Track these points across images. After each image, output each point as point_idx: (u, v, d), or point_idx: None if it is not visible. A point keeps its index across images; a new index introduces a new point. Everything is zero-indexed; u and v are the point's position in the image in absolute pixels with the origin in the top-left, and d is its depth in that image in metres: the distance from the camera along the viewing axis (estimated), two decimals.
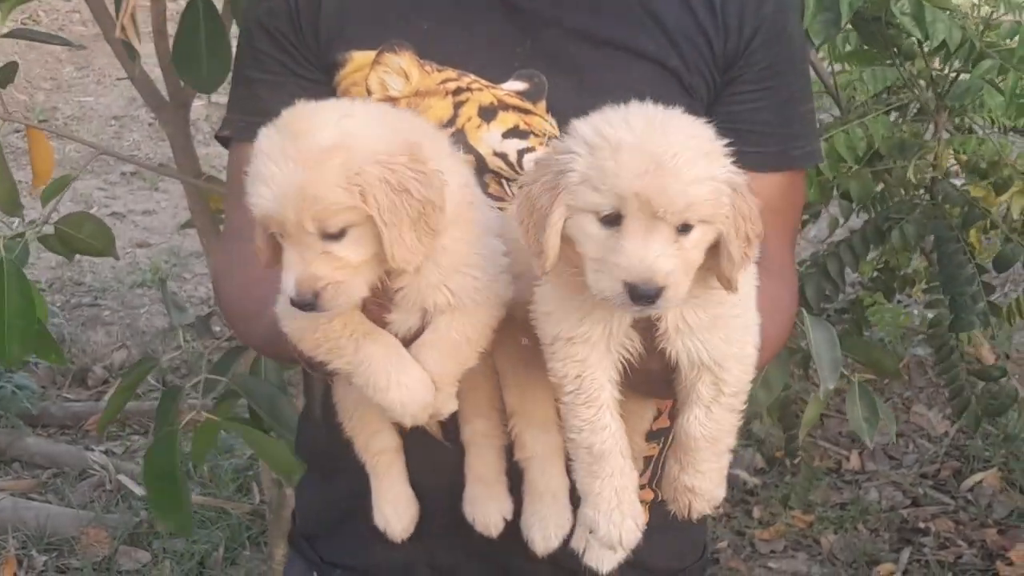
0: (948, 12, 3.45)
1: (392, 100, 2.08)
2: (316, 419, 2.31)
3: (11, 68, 3.28)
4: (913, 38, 3.57)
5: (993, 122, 4.00)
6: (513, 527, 2.05)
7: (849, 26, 3.68)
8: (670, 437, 1.96)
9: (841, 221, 4.40)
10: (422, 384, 1.82)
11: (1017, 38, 3.55)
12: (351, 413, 2.08)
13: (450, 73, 2.10)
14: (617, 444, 1.81)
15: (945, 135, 3.88)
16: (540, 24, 2.09)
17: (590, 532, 1.88)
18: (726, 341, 1.79)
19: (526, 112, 2.09)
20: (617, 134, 1.66)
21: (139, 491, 5.50)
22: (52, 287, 7.59)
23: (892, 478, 5.75)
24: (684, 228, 1.66)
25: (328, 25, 2.13)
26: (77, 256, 3.31)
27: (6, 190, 3.16)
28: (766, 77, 2.11)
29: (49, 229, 3.14)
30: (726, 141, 1.71)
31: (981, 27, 3.67)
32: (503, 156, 2.09)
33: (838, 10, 3.20)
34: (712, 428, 1.83)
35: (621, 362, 1.80)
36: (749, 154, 1.76)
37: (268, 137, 1.73)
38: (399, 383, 1.81)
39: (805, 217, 4.10)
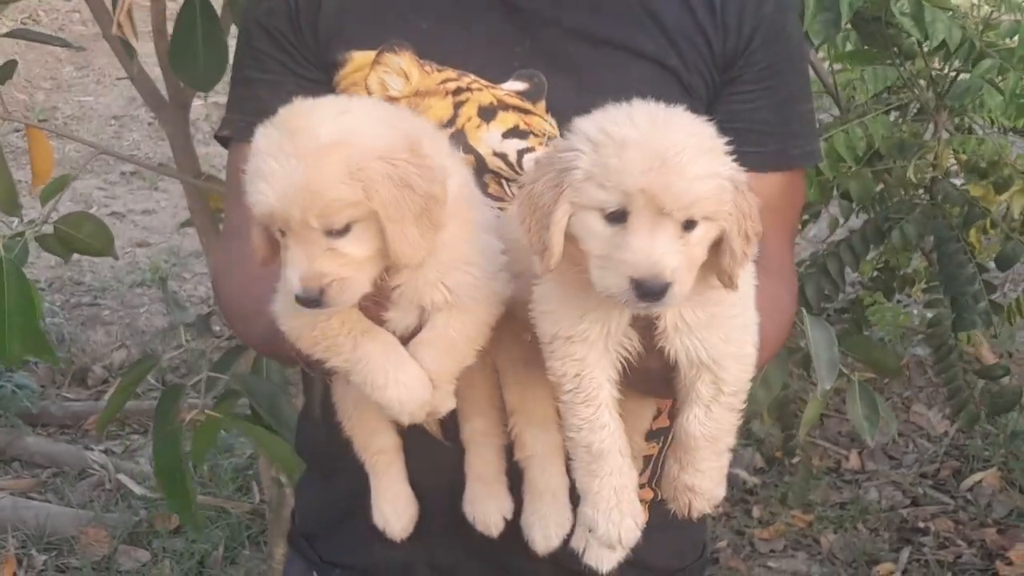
0: (948, 12, 3.45)
1: (392, 100, 2.08)
2: (315, 418, 2.31)
3: (10, 66, 3.28)
4: (913, 38, 3.57)
5: (992, 122, 4.00)
6: (513, 526, 2.05)
7: (849, 26, 3.68)
8: (670, 436, 1.96)
9: (841, 221, 4.41)
10: (420, 382, 1.82)
11: (1017, 37, 3.55)
12: (350, 412, 2.08)
13: (450, 73, 2.10)
14: (616, 443, 1.81)
15: (945, 135, 3.88)
16: (539, 24, 2.09)
17: (589, 531, 1.88)
18: (724, 340, 1.79)
19: (526, 112, 2.09)
20: (621, 131, 1.66)
21: (139, 490, 5.51)
22: (52, 286, 7.59)
23: (892, 478, 5.76)
24: (688, 225, 1.66)
25: (327, 25, 2.13)
26: (77, 256, 3.31)
27: (5, 189, 3.16)
28: (765, 77, 2.11)
29: (48, 229, 3.14)
30: (726, 140, 1.72)
31: (981, 27, 3.67)
32: (503, 156, 2.09)
33: (838, 10, 3.20)
34: (712, 427, 1.83)
35: (620, 361, 1.80)
36: (748, 154, 1.76)
37: (267, 135, 1.73)
38: (397, 381, 1.81)
39: (805, 217, 4.10)
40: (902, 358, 6.33)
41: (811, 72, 2.92)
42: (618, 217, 1.65)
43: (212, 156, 7.81)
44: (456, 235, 1.80)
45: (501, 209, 2.04)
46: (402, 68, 2.09)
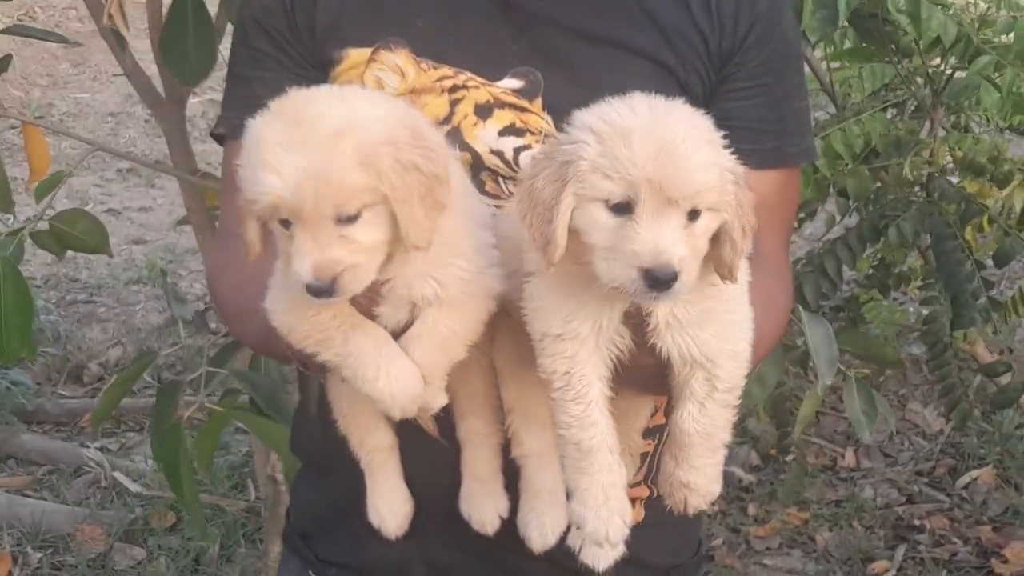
0: (944, 8, 3.45)
1: None
2: (311, 417, 2.32)
3: (6, 62, 3.28)
4: (910, 35, 3.57)
5: (988, 120, 4.00)
6: (510, 524, 2.05)
7: (846, 23, 3.68)
8: (666, 433, 1.96)
9: (838, 219, 4.41)
10: (411, 376, 1.82)
11: (1013, 34, 3.55)
12: (345, 410, 2.08)
13: (446, 71, 2.09)
14: (606, 441, 1.81)
15: (941, 132, 3.88)
16: (535, 21, 2.09)
17: (577, 528, 1.88)
18: (717, 337, 1.79)
19: (522, 110, 2.09)
20: (625, 121, 1.66)
21: (134, 488, 5.51)
22: (47, 283, 7.59)
23: (887, 475, 5.76)
24: (693, 215, 1.66)
25: (324, 22, 2.13)
26: (73, 253, 3.32)
27: None
28: (761, 74, 2.11)
29: (44, 226, 3.14)
30: (722, 135, 1.72)
31: (977, 24, 3.67)
32: (499, 154, 2.08)
33: (835, 7, 3.20)
34: (706, 424, 1.83)
35: (611, 358, 1.80)
36: (744, 151, 1.76)
37: (268, 125, 1.72)
38: (388, 375, 1.81)
39: (802, 215, 4.10)
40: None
41: (807, 70, 2.92)
42: (623, 208, 1.65)
43: (209, 153, 7.80)
44: (447, 229, 1.80)
45: (498, 207, 2.05)
46: (398, 65, 2.09)
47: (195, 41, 3.04)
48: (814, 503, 5.51)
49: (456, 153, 2.02)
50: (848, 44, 4.21)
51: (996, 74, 3.58)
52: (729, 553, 5.21)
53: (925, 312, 4.21)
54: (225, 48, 2.33)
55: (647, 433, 2.16)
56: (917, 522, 5.38)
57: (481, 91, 2.09)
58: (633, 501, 2.17)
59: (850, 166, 3.74)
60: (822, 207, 4.30)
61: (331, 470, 2.28)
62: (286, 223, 1.72)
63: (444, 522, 2.11)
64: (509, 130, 2.08)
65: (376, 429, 2.07)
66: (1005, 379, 4.22)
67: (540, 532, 2.02)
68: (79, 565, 5.01)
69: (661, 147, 1.64)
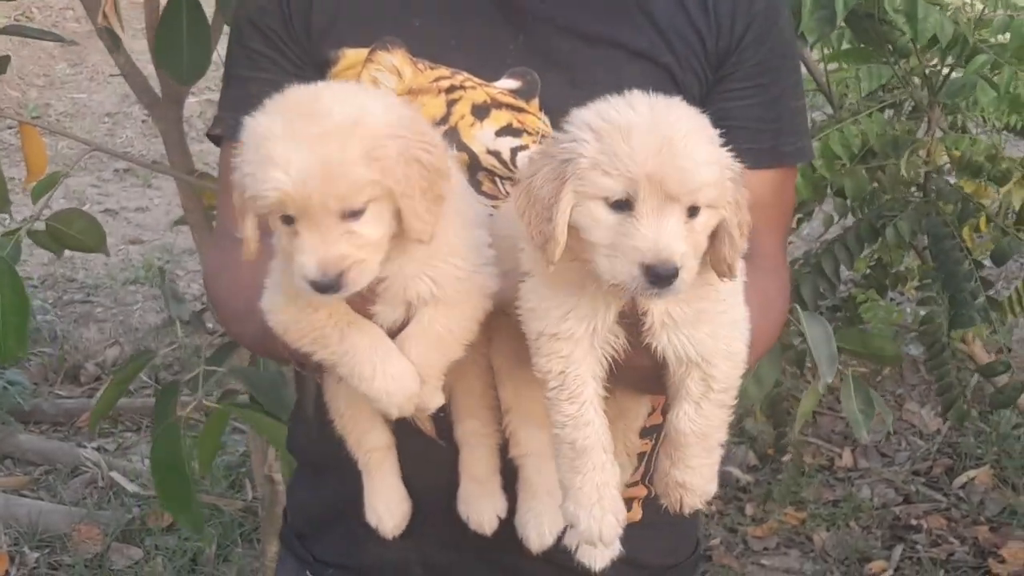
0: (941, 8, 3.44)
1: None
2: (308, 417, 2.31)
3: (3, 62, 3.28)
4: (907, 35, 3.57)
5: (985, 121, 4.00)
6: (508, 525, 2.05)
7: (843, 24, 3.68)
8: (662, 433, 1.96)
9: (836, 219, 4.41)
10: (407, 374, 1.82)
11: (1009, 33, 3.55)
12: (342, 411, 2.08)
13: (443, 71, 2.09)
14: (600, 440, 1.81)
15: (939, 133, 3.88)
16: (532, 21, 2.09)
17: (570, 527, 1.88)
18: (713, 336, 1.79)
19: (519, 110, 2.09)
20: (625, 118, 1.67)
21: (131, 488, 5.50)
22: (44, 283, 7.59)
23: (884, 475, 5.76)
24: (692, 211, 1.67)
25: (320, 22, 2.13)
26: (70, 253, 3.32)
27: None
28: (757, 74, 2.11)
29: (40, 226, 3.14)
30: (719, 134, 1.73)
31: (973, 23, 3.67)
32: (496, 154, 2.08)
33: (833, 8, 3.21)
34: (702, 424, 1.83)
35: (606, 358, 1.80)
36: (741, 151, 1.76)
37: (272, 121, 1.71)
38: (384, 373, 1.81)
39: (799, 215, 4.10)
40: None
41: (804, 70, 2.92)
42: (623, 205, 1.66)
43: (206, 153, 7.78)
44: (443, 228, 1.80)
45: (494, 207, 2.05)
46: (395, 66, 2.09)
47: (190, 40, 3.04)
48: (811, 503, 5.51)
49: (453, 153, 2.02)
50: (846, 45, 4.21)
51: (993, 73, 3.58)
52: (726, 553, 5.22)
53: (922, 312, 4.21)
54: (223, 48, 2.33)
55: (644, 433, 2.16)
56: (914, 522, 5.39)
57: (478, 91, 2.09)
58: (631, 501, 2.18)
59: (847, 166, 3.74)
60: (819, 207, 4.29)
61: (328, 470, 2.28)
62: (289, 219, 1.71)
63: (442, 522, 2.11)
64: (506, 130, 2.08)
65: (373, 429, 2.07)
66: (1003, 379, 4.22)
67: (538, 532, 2.03)
68: (76, 565, 5.01)
69: (662, 143, 1.64)
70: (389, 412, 1.85)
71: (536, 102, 2.09)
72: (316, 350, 1.83)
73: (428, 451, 2.09)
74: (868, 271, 4.55)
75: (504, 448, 2.03)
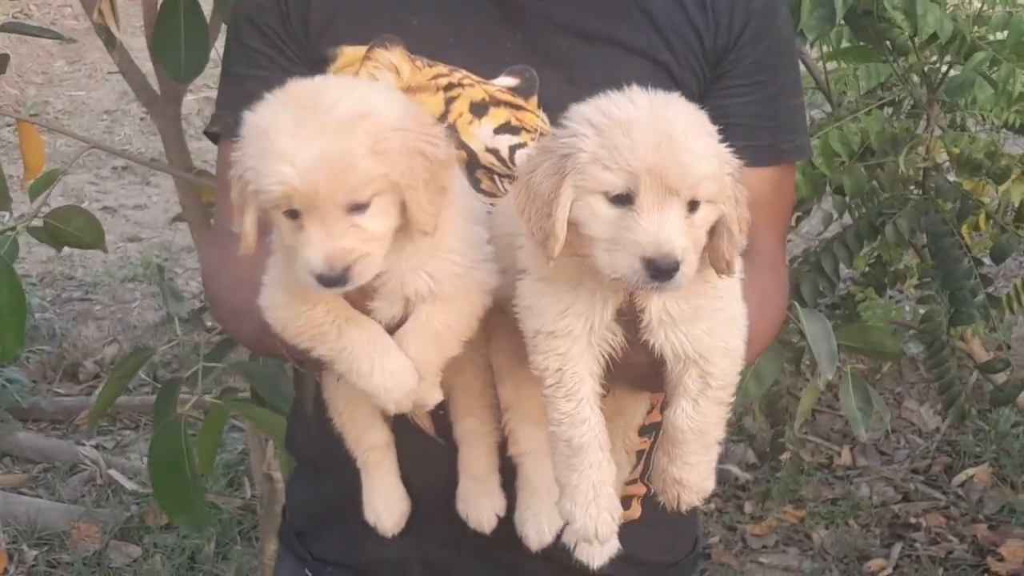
0: (940, 5, 3.44)
1: None
2: (307, 416, 2.31)
3: (2, 60, 3.27)
4: (905, 33, 3.57)
5: (984, 119, 4.00)
6: (507, 522, 2.05)
7: (842, 22, 3.68)
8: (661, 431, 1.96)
9: (835, 216, 4.41)
10: (406, 370, 1.82)
11: (1008, 30, 3.55)
12: (341, 409, 2.07)
13: (441, 68, 2.09)
14: (596, 438, 1.81)
15: (937, 131, 3.88)
16: (531, 19, 2.09)
17: (566, 524, 1.88)
18: (710, 334, 1.79)
19: (518, 108, 2.09)
20: (624, 113, 1.67)
21: (130, 486, 5.50)
22: (43, 281, 7.59)
23: (883, 473, 5.76)
24: (692, 206, 1.67)
25: (318, 20, 2.12)
26: (68, 250, 3.32)
27: None
28: (756, 71, 2.11)
29: (38, 223, 3.13)
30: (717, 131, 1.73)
31: (971, 20, 3.67)
32: (495, 152, 2.08)
33: (832, 5, 3.20)
34: (699, 421, 1.83)
35: (604, 356, 1.80)
36: (739, 148, 1.76)
37: (276, 114, 1.70)
38: (382, 369, 1.81)
39: (798, 213, 4.10)
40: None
41: (802, 68, 2.92)
42: (623, 200, 1.66)
43: (204, 151, 7.76)
44: (441, 224, 1.79)
45: (493, 206, 2.04)
46: (393, 63, 2.09)
47: (187, 37, 3.04)
48: (810, 501, 5.51)
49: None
50: (845, 43, 4.21)
51: (992, 70, 3.58)
52: (725, 551, 5.22)
53: (921, 311, 4.21)
54: (221, 46, 2.33)
55: (643, 431, 2.15)
56: (913, 520, 5.39)
57: (476, 89, 2.08)
58: (630, 499, 2.18)
59: (846, 164, 3.74)
60: (818, 205, 4.29)
61: (327, 468, 2.28)
62: (293, 213, 1.70)
63: (441, 521, 2.11)
64: (504, 128, 2.08)
65: (372, 427, 2.06)
66: (1001, 377, 4.22)
67: (537, 530, 2.03)
68: (75, 563, 5.01)
69: (662, 137, 1.64)
70: (387, 408, 1.85)
71: (534, 100, 2.08)
72: (314, 346, 1.83)
73: (427, 449, 2.09)
74: (867, 269, 4.55)
75: (503, 446, 2.03)
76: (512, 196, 1.77)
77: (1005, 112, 3.72)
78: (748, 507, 5.49)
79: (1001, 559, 5.04)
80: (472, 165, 2.07)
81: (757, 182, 1.98)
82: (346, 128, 1.68)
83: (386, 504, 2.10)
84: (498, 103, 2.08)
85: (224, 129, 2.18)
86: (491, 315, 1.89)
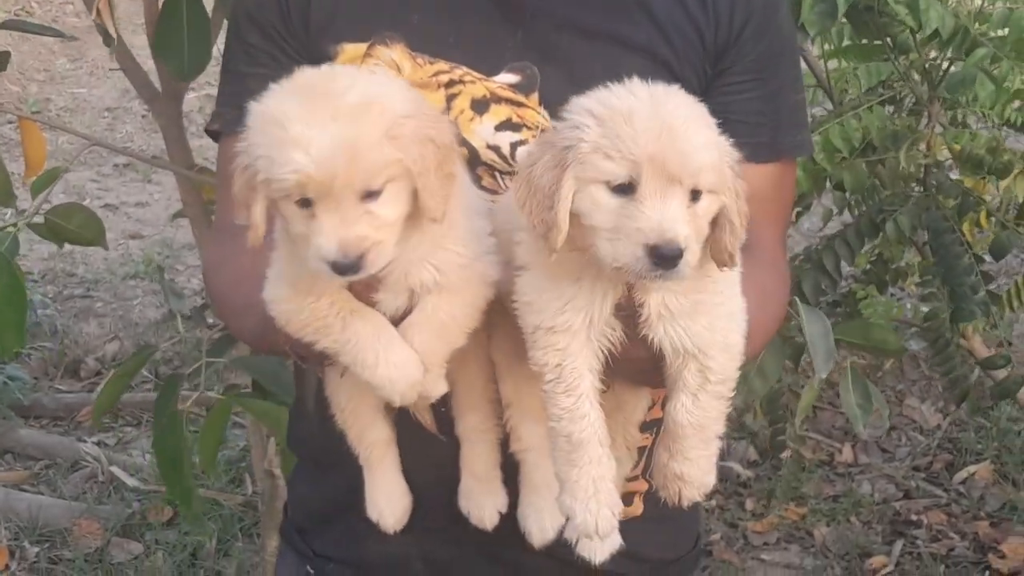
0: (941, 0, 3.45)
1: None
2: (309, 412, 2.31)
3: (4, 57, 3.27)
4: (907, 30, 3.57)
5: (985, 116, 4.00)
6: (509, 519, 2.05)
7: (844, 20, 3.67)
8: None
9: (835, 211, 4.41)
10: (411, 362, 1.82)
11: (1009, 27, 3.55)
12: (343, 405, 2.07)
13: (442, 65, 2.09)
14: (596, 433, 1.81)
15: (938, 128, 3.88)
16: (531, 16, 2.09)
17: (566, 520, 1.88)
18: (709, 328, 1.79)
19: (519, 105, 2.09)
20: (625, 104, 1.68)
21: (131, 482, 5.51)
22: (44, 278, 7.59)
23: (885, 471, 5.76)
24: (694, 195, 1.67)
25: (318, 17, 2.12)
26: (70, 247, 3.32)
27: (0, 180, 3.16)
28: (757, 68, 2.11)
29: (40, 220, 3.13)
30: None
31: (973, 17, 3.67)
32: (496, 149, 2.08)
33: (834, 1, 3.20)
34: (699, 415, 1.83)
35: (603, 351, 1.80)
36: (740, 144, 1.77)
37: (284, 103, 1.70)
38: (387, 360, 1.80)
39: (798, 208, 4.10)
40: None
41: (803, 65, 2.92)
42: (625, 189, 1.66)
43: (205, 148, 7.74)
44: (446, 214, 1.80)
45: (492, 202, 2.04)
46: (394, 61, 2.08)
47: (190, 36, 3.04)
48: (812, 498, 5.51)
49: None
50: (846, 41, 4.21)
51: (993, 67, 3.58)
52: (727, 548, 5.22)
53: (923, 308, 4.21)
54: (222, 43, 2.33)
55: (645, 427, 2.15)
56: (914, 517, 5.39)
57: (477, 86, 2.08)
58: (631, 495, 2.18)
59: (847, 159, 3.74)
60: (818, 200, 4.29)
61: (328, 465, 2.28)
62: (305, 202, 1.70)
63: (443, 518, 2.11)
64: (505, 125, 2.08)
65: (374, 424, 2.07)
66: (1002, 374, 4.22)
67: (539, 527, 2.03)
68: (76, 559, 5.01)
69: (663, 126, 1.65)
70: (392, 399, 1.84)
71: (535, 96, 2.08)
72: (319, 339, 1.83)
73: (429, 446, 2.09)
74: (868, 266, 4.56)
75: (505, 443, 2.03)
76: (512, 190, 1.77)
77: (1007, 110, 3.72)
78: (750, 504, 5.49)
79: (1002, 556, 5.04)
80: (473, 162, 2.07)
81: (758, 178, 1.98)
82: (359, 114, 1.67)
83: (388, 501, 2.10)
84: (499, 100, 2.08)
85: (225, 126, 2.18)
86: (492, 313, 1.89)
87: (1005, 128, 4.03)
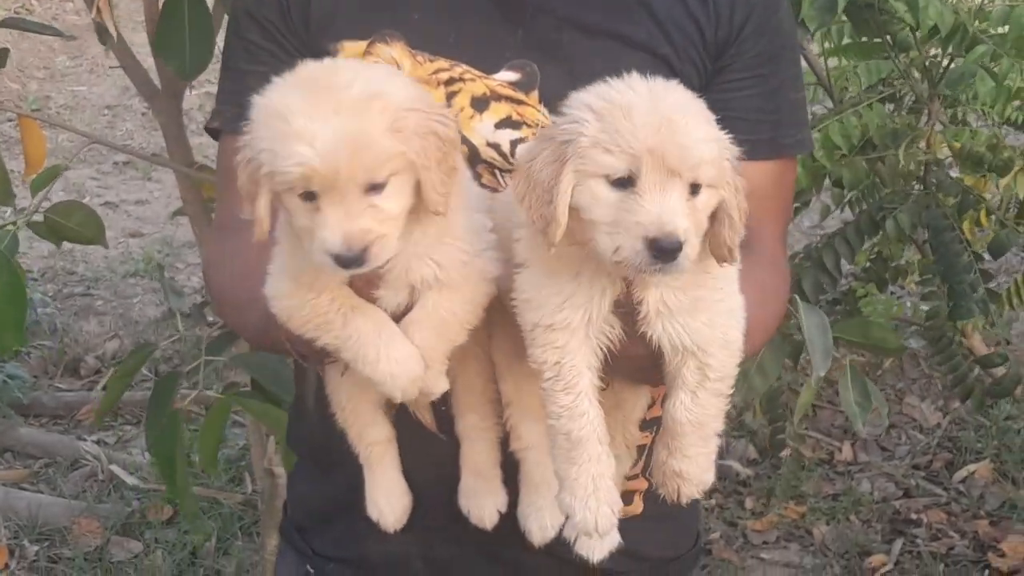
0: None
1: None
2: (309, 411, 2.31)
3: (3, 55, 3.27)
4: (907, 28, 3.57)
5: (985, 114, 4.00)
6: (509, 518, 2.05)
7: (844, 17, 3.68)
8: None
9: (833, 208, 4.41)
10: (412, 358, 1.81)
11: (1008, 24, 3.55)
12: (344, 404, 2.07)
13: (442, 63, 2.09)
14: (595, 431, 1.81)
15: (938, 126, 3.88)
16: (531, 13, 2.09)
17: (566, 518, 1.88)
18: (708, 325, 1.79)
19: (519, 102, 2.08)
20: (625, 98, 1.68)
21: (131, 481, 5.50)
22: (44, 276, 7.59)
23: (884, 469, 5.76)
24: (694, 189, 1.67)
25: (318, 15, 2.12)
26: (70, 245, 3.32)
27: None
28: (757, 65, 2.11)
29: (39, 218, 3.13)
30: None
31: (972, 14, 3.67)
32: (496, 146, 2.08)
33: None
34: (698, 413, 1.83)
35: (602, 348, 1.80)
36: (740, 142, 1.77)
37: (287, 96, 1.69)
38: (388, 356, 1.80)
39: (797, 205, 4.10)
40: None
41: (803, 62, 2.92)
42: (624, 183, 1.66)
43: (205, 146, 7.73)
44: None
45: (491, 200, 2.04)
46: (394, 58, 2.08)
47: (192, 34, 3.03)
48: (811, 497, 5.52)
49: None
50: (846, 39, 4.21)
51: (993, 64, 3.58)
52: (726, 547, 5.22)
53: (923, 306, 4.22)
54: (222, 41, 2.32)
55: (645, 425, 2.15)
56: (914, 516, 5.39)
57: (477, 84, 2.08)
58: (631, 494, 2.18)
59: (846, 157, 3.74)
60: (817, 197, 4.29)
61: (329, 464, 2.28)
62: (308, 195, 1.69)
63: (443, 516, 2.11)
64: (505, 123, 2.08)
65: (375, 422, 2.06)
66: (1000, 372, 4.23)
67: (540, 525, 2.03)
68: (76, 558, 5.01)
69: (662, 120, 1.65)
70: (393, 395, 1.84)
71: (535, 94, 2.08)
72: (320, 335, 1.83)
73: (429, 445, 2.09)
74: (868, 265, 4.56)
75: (505, 442, 2.03)
76: (512, 185, 1.77)
77: (1007, 108, 3.72)
78: (749, 503, 5.49)
79: (1002, 555, 5.04)
80: (473, 160, 2.07)
81: (758, 176, 1.98)
82: (362, 107, 1.67)
83: (388, 500, 2.10)
84: (499, 98, 2.08)
85: (224, 124, 2.18)
86: (492, 312, 1.89)
87: (1005, 126, 4.03)
